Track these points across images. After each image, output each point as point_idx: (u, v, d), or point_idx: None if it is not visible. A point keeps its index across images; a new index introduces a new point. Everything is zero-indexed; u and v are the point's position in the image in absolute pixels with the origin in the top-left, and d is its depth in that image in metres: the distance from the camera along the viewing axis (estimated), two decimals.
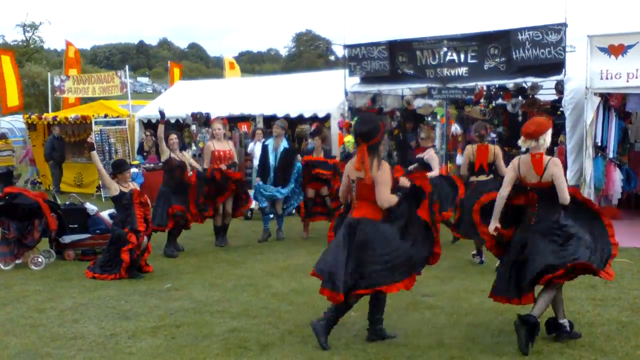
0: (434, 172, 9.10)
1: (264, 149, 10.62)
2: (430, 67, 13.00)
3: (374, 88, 14.37)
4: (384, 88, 14.37)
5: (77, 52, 22.36)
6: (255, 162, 12.74)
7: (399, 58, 13.36)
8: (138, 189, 8.69)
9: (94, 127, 16.19)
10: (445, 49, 12.78)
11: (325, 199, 10.76)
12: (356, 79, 14.27)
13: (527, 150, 5.69)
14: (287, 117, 15.23)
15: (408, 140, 13.21)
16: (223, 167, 9.86)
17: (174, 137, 9.85)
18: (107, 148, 16.18)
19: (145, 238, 8.27)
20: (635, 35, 10.70)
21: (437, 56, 12.89)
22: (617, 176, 11.31)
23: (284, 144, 10.48)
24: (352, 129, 13.95)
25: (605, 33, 11.09)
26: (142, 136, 16.71)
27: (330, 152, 11.94)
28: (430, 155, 9.43)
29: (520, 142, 5.69)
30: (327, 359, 5.18)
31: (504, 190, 5.65)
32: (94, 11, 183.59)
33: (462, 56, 12.64)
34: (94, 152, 9.00)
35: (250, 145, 14.02)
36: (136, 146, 16.64)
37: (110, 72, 19.33)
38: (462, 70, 12.68)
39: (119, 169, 8.66)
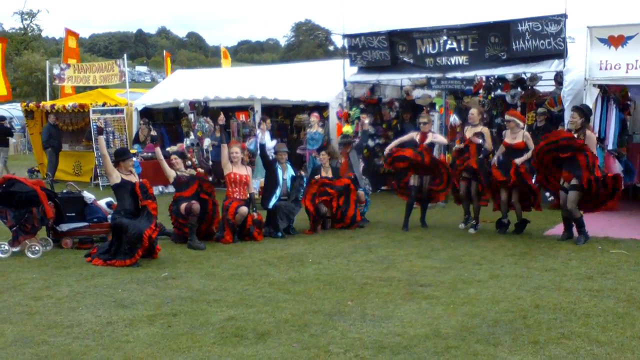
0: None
1: (274, 172, 10.22)
2: (430, 55, 12.95)
3: (373, 78, 14.33)
4: (383, 78, 14.33)
5: (76, 42, 22.13)
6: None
7: (399, 47, 13.30)
8: (137, 178, 8.69)
9: (92, 116, 16.13)
10: (445, 38, 12.73)
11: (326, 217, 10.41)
12: (355, 69, 14.21)
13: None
14: (285, 106, 15.24)
15: (406, 131, 13.14)
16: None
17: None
18: (105, 137, 16.09)
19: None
20: (635, 27, 10.67)
21: (437, 45, 12.84)
22: (617, 168, 11.30)
23: (289, 171, 10.35)
24: (350, 118, 13.91)
25: (605, 24, 11.07)
26: (138, 125, 16.67)
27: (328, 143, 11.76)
28: (436, 136, 10.64)
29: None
30: (324, 347, 5.18)
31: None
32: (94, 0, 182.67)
33: (462, 45, 12.59)
34: (102, 137, 9.43)
35: (261, 136, 12.96)
36: (133, 136, 16.59)
37: (110, 61, 19.27)
38: (462, 59, 12.63)
39: (121, 157, 8.68)
